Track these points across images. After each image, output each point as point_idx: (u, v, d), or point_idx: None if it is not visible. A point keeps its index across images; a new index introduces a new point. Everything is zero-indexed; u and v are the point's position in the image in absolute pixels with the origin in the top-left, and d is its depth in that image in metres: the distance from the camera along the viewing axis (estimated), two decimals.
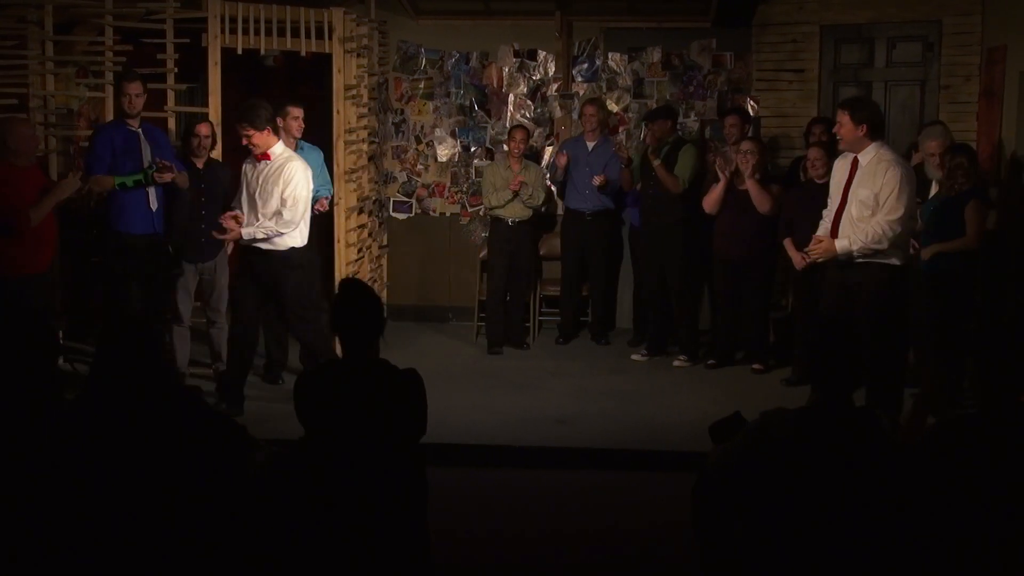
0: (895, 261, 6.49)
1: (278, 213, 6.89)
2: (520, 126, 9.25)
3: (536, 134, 9.82)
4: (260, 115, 6.87)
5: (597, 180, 8.84)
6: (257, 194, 6.96)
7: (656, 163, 8.34)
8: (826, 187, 7.17)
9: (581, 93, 9.74)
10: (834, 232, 6.53)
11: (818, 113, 9.02)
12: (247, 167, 7.07)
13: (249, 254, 7.07)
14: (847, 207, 6.48)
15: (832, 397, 3.53)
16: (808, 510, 3.37)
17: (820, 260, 6.66)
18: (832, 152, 7.37)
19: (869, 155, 6.43)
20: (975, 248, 6.86)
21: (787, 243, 7.61)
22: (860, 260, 6.46)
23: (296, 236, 7.01)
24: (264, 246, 6.95)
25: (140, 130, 7.31)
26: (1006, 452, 3.36)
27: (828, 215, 6.67)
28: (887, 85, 9.10)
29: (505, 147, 9.27)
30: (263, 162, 6.93)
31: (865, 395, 6.35)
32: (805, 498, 3.38)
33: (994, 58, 8.30)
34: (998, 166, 8.05)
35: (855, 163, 6.45)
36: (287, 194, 6.90)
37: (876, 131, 6.48)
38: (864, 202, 6.38)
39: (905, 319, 6.89)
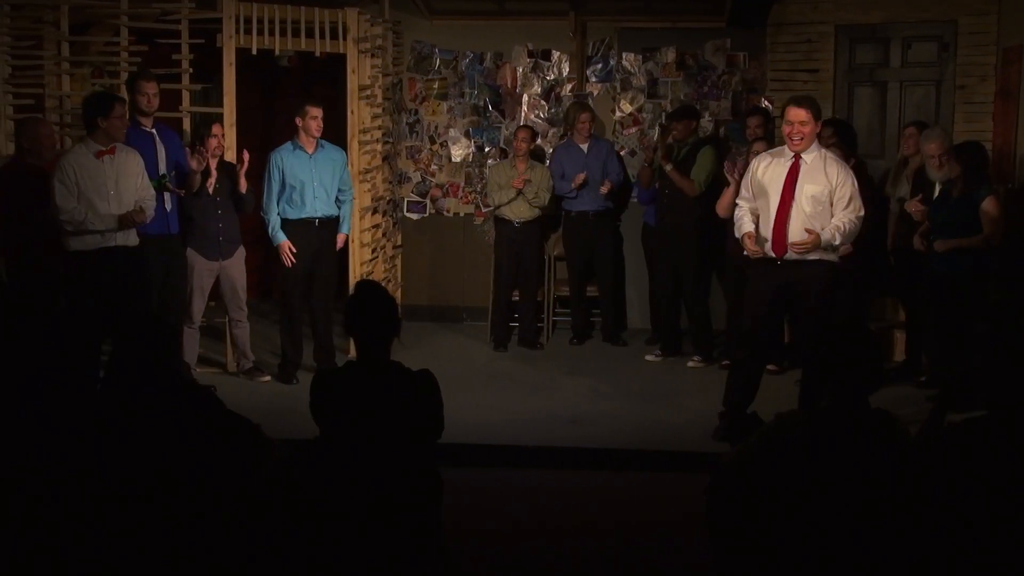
0: (834, 258, 6.48)
1: (148, 201, 6.83)
2: (524, 126, 9.27)
3: (550, 134, 9.82)
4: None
5: (604, 189, 8.86)
6: (116, 187, 6.74)
7: (668, 168, 8.35)
8: None
9: (595, 93, 9.74)
10: (780, 227, 6.38)
11: (833, 113, 8.99)
12: (81, 162, 6.69)
13: (102, 258, 6.75)
14: (795, 204, 6.36)
15: (848, 399, 3.51)
16: (822, 511, 3.36)
17: (806, 252, 6.34)
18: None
19: (813, 153, 6.34)
20: (996, 245, 6.87)
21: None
22: (804, 261, 6.37)
23: None
24: (128, 243, 6.81)
25: (154, 131, 7.34)
26: (1018, 453, 3.34)
27: (766, 212, 6.51)
28: (902, 85, 9.07)
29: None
30: (108, 156, 6.73)
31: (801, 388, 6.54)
32: (820, 499, 3.37)
33: (1010, 58, 8.27)
34: (1013, 166, 8.02)
35: (798, 161, 6.36)
36: (143, 183, 6.86)
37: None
38: (817, 198, 6.29)
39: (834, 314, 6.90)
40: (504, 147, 9.83)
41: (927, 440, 3.64)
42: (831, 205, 6.32)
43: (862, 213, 6.37)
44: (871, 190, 7.79)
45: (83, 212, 6.59)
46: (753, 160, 6.63)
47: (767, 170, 6.42)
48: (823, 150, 6.44)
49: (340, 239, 8.02)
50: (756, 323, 6.58)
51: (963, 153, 7.01)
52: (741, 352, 6.76)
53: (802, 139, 6.29)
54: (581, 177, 8.85)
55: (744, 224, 6.55)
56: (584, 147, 9.05)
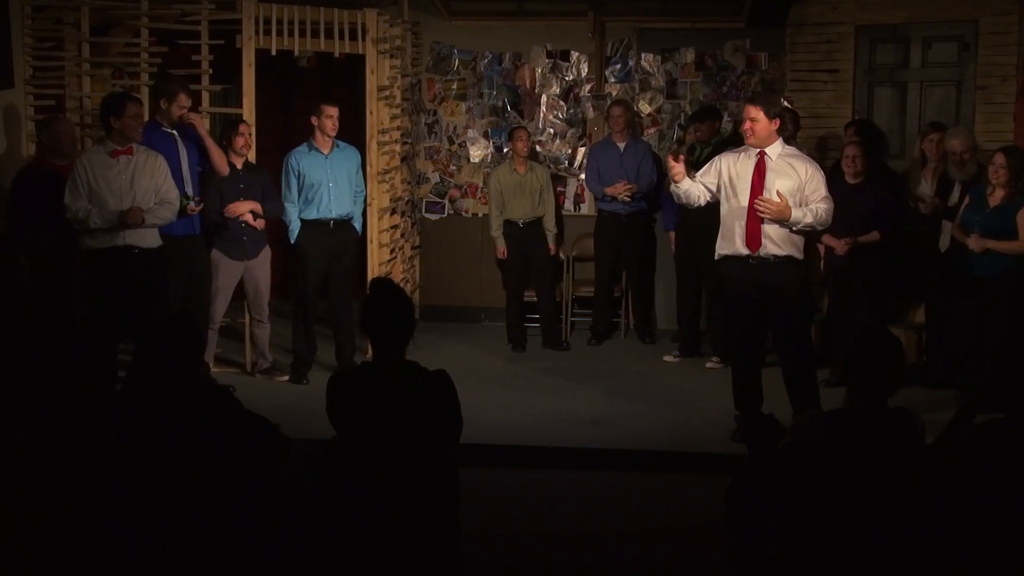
0: (800, 256, 6.49)
1: (167, 203, 6.75)
2: (520, 127, 9.26)
3: (568, 135, 9.81)
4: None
5: (627, 196, 8.82)
6: (131, 187, 6.63)
7: (695, 175, 8.36)
8: (857, 187, 7.41)
9: (614, 94, 9.72)
10: (754, 222, 6.37)
11: (853, 114, 8.97)
12: (94, 161, 6.62)
13: (116, 257, 6.65)
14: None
15: (870, 401, 3.51)
16: (842, 512, 3.35)
17: (767, 217, 6.35)
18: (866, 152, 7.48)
19: (777, 150, 6.42)
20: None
21: (826, 237, 7.52)
22: (775, 261, 6.37)
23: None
24: (145, 244, 6.72)
25: (175, 132, 7.33)
26: None
27: (737, 208, 6.49)
28: (922, 86, 9.03)
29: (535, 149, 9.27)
30: (124, 156, 6.65)
31: (787, 389, 6.56)
32: (840, 500, 3.36)
33: None
34: None
35: (763, 157, 6.38)
36: (167, 186, 6.76)
37: (782, 127, 6.52)
38: (789, 194, 6.32)
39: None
40: None
41: (951, 441, 3.62)
42: (800, 199, 6.38)
43: (831, 204, 6.45)
44: (897, 193, 7.74)
45: (86, 210, 6.52)
46: (720, 157, 6.65)
47: (734, 167, 6.47)
48: (786, 146, 6.56)
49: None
50: (737, 325, 6.61)
51: (1010, 158, 6.94)
52: (733, 356, 6.85)
53: (752, 135, 6.39)
54: (623, 188, 8.80)
55: (692, 190, 6.52)
56: (621, 146, 9.01)
